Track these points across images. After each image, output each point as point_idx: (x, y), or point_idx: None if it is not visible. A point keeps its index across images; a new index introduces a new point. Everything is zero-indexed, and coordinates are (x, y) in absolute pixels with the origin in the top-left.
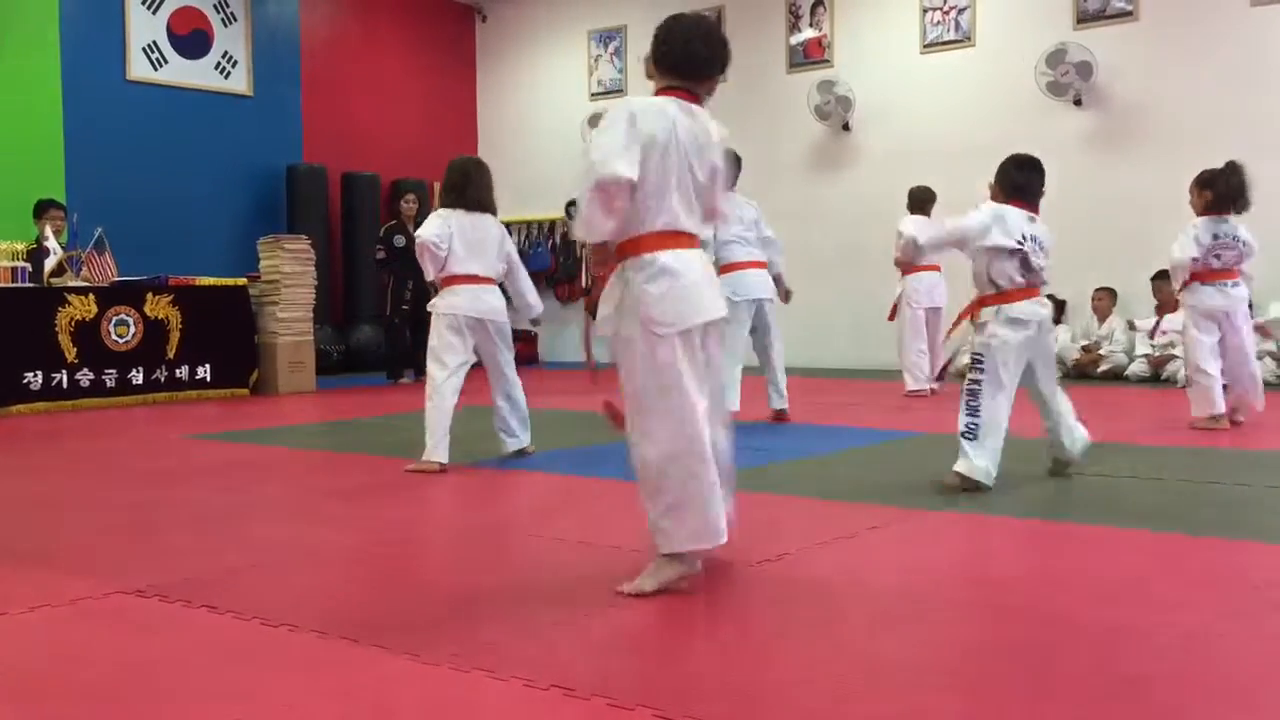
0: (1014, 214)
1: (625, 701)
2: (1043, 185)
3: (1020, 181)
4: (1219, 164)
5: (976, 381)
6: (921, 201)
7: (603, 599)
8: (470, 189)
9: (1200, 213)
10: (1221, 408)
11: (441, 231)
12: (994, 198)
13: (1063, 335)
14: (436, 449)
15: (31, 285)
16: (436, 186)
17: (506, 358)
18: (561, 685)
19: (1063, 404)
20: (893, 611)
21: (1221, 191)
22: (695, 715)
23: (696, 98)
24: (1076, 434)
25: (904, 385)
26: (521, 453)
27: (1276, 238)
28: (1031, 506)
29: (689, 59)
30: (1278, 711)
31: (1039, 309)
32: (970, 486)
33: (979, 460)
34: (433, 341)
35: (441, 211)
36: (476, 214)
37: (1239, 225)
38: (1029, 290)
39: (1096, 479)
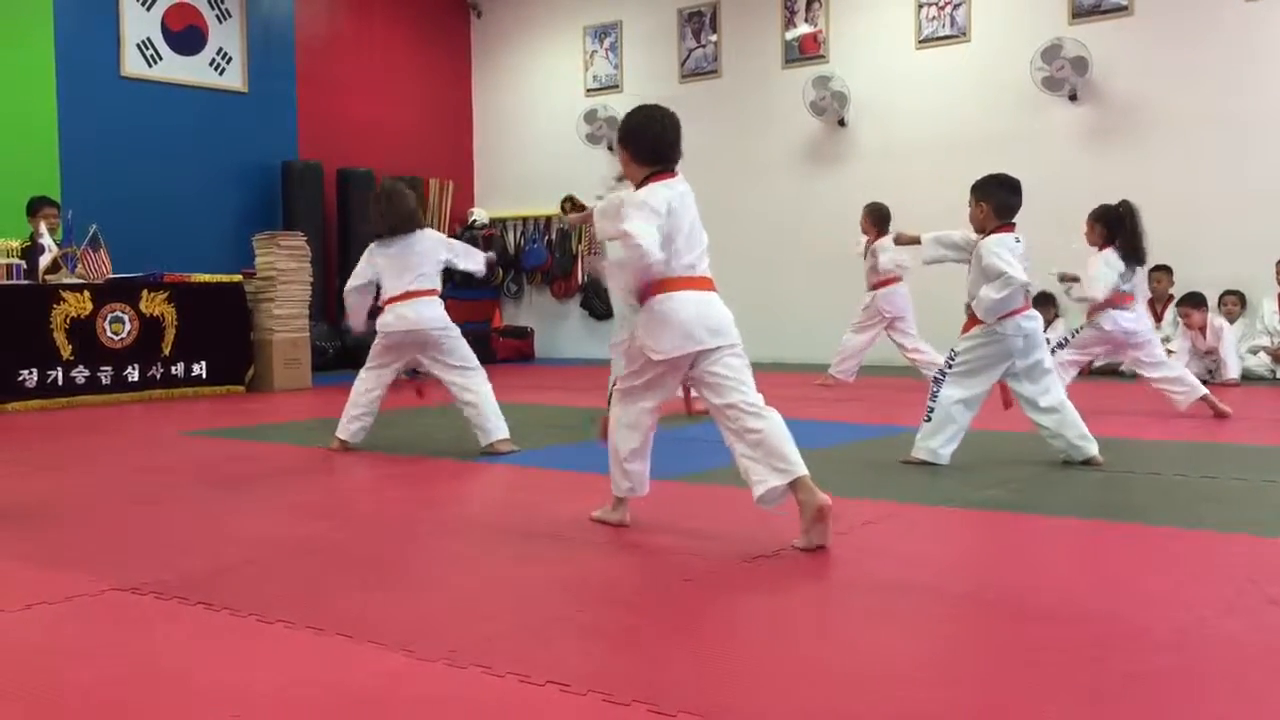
0: (1010, 241)
1: (621, 697)
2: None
3: (1014, 204)
4: (1212, 157)
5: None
6: (885, 219)
7: (598, 595)
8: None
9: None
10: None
11: None
12: (981, 217)
13: (1061, 331)
14: None
15: (26, 282)
16: (433, 183)
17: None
18: (557, 681)
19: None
20: (889, 606)
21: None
22: (691, 711)
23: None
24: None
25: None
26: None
27: (1271, 236)
28: (1027, 501)
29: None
30: (1276, 706)
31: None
32: None
33: None
34: None
35: None
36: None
37: None
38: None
39: (1091, 473)
